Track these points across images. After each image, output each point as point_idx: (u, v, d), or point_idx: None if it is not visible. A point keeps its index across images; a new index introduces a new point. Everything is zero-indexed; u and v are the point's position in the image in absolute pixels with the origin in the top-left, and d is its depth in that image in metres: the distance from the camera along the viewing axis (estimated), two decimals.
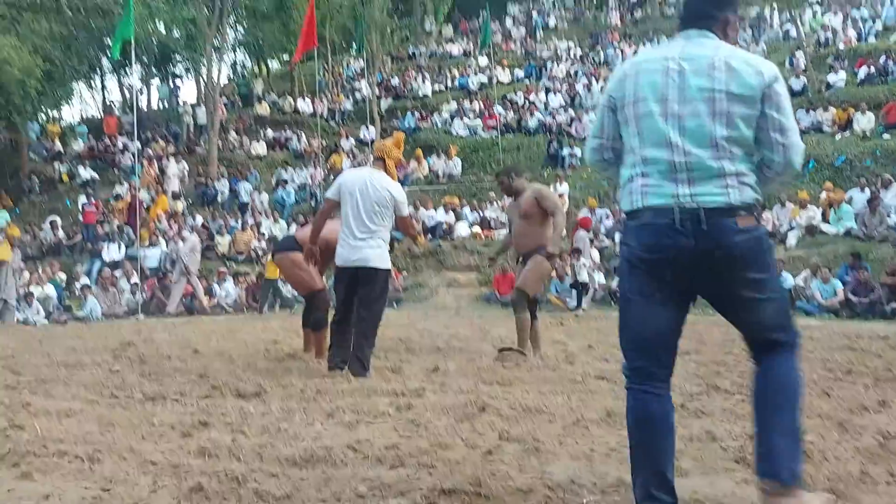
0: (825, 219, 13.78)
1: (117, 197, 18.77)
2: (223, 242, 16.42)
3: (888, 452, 3.05)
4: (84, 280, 14.35)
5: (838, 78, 19.10)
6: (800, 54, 20.78)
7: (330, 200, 5.29)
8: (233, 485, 2.59)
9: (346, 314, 5.21)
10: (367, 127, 22.03)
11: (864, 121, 16.48)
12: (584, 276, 12.78)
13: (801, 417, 2.32)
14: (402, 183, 18.81)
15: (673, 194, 2.21)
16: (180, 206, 18.43)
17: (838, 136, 16.61)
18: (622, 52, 25.76)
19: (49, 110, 25.71)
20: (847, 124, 16.83)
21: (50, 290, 13.57)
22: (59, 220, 17.39)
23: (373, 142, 21.23)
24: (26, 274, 13.89)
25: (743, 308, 2.35)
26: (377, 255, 5.06)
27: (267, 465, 2.87)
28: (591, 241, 14.05)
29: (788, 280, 11.99)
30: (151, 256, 15.59)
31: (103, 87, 34.21)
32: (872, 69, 18.97)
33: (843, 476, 2.70)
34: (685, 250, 2.19)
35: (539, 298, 6.56)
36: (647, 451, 2.30)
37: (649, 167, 2.27)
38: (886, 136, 15.99)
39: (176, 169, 19.89)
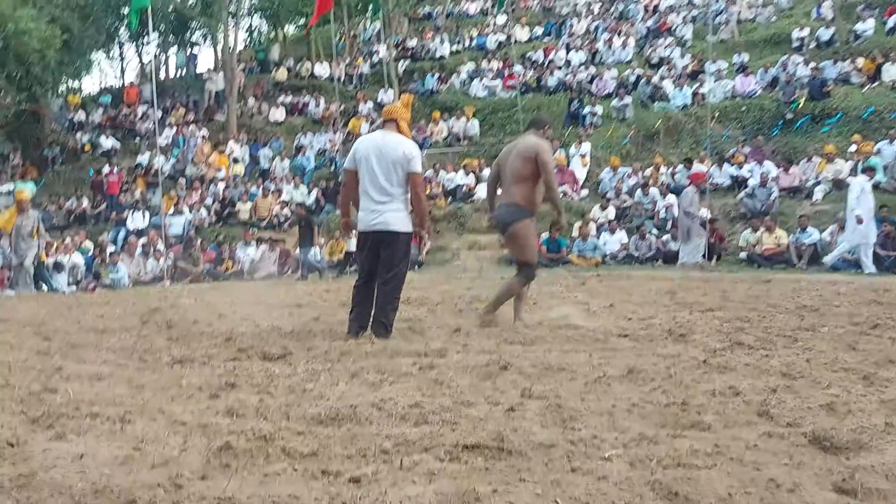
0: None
1: (138, 166, 18.93)
2: (244, 209, 16.52)
3: None
4: (111, 248, 14.56)
5: (867, 27, 18.54)
6: (827, 3, 20.18)
7: (348, 170, 5.27)
8: (260, 443, 2.63)
9: (369, 279, 5.20)
10: (386, 90, 21.88)
11: (894, 70, 16.03)
12: (696, 234, 12.46)
13: None
14: (422, 146, 18.83)
15: None
16: (240, 169, 18.62)
17: (866, 88, 16.19)
18: (644, 6, 25.21)
19: (69, 80, 25.81)
20: (875, 75, 16.38)
21: (78, 258, 13.80)
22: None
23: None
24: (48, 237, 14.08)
25: None
26: (398, 218, 5.04)
27: (293, 424, 2.91)
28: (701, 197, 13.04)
29: (814, 235, 11.84)
30: (176, 224, 15.78)
31: (121, 56, 34.25)
32: None
33: (868, 427, 2.69)
34: None
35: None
36: None
37: None
38: None
39: (238, 149, 19.87)
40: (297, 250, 14.22)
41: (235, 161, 19.16)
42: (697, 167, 14.47)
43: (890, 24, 18.54)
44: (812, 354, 4.15)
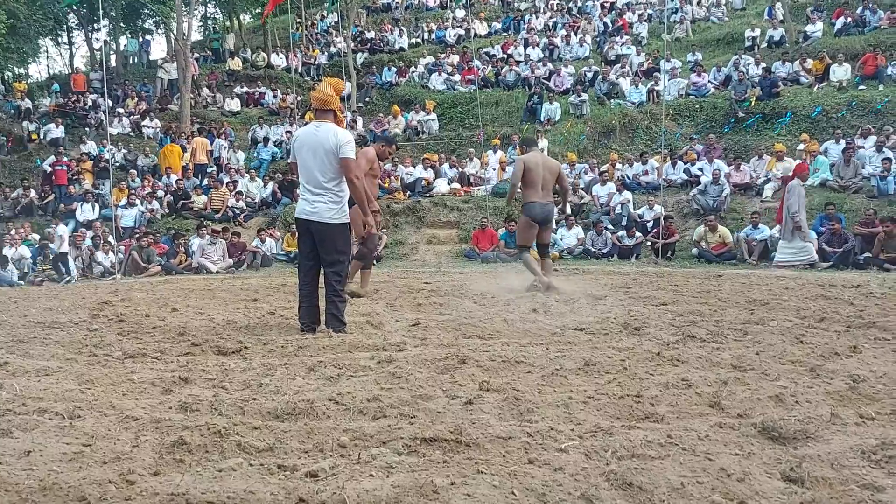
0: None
1: (86, 155, 18.40)
2: (199, 201, 16.23)
3: (858, 395, 3.13)
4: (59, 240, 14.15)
5: (816, 28, 19.07)
6: (778, 5, 20.68)
7: (292, 164, 5.32)
8: (215, 438, 2.59)
9: (310, 271, 5.18)
10: (344, 81, 21.66)
11: (841, 72, 16.52)
12: (801, 235, 11.16)
13: None
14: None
15: None
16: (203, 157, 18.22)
17: (815, 88, 16.65)
18: (601, 4, 25.47)
19: (15, 67, 25.00)
20: (824, 75, 16.86)
21: (24, 251, 13.39)
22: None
23: (349, 97, 20.95)
24: None
25: None
26: (332, 210, 5.02)
27: (249, 419, 2.88)
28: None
29: (765, 231, 12.14)
30: (127, 216, 15.43)
31: (70, 43, 33.32)
32: (850, 19, 18.96)
33: (815, 418, 2.77)
34: None
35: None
36: None
37: None
38: (862, 87, 16.06)
39: (220, 143, 19.22)
40: None
41: (212, 154, 18.73)
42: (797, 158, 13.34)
43: (838, 25, 19.09)
44: (761, 347, 4.26)
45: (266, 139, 19.15)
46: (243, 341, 4.64)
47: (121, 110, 21.23)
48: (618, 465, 2.27)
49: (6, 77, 24.88)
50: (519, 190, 7.99)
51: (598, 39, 22.86)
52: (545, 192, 7.74)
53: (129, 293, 8.77)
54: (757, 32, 19.95)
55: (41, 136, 19.85)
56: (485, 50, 23.16)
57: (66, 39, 33.15)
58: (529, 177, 7.65)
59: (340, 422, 2.84)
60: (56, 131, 19.61)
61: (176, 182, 17.01)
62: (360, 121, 19.30)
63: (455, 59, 22.53)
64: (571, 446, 2.50)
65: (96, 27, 29.06)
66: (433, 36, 25.64)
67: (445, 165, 16.93)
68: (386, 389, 3.32)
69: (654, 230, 13.13)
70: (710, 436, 2.60)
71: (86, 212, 15.72)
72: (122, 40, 29.67)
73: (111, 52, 29.49)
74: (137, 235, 14.31)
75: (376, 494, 2.06)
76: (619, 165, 15.76)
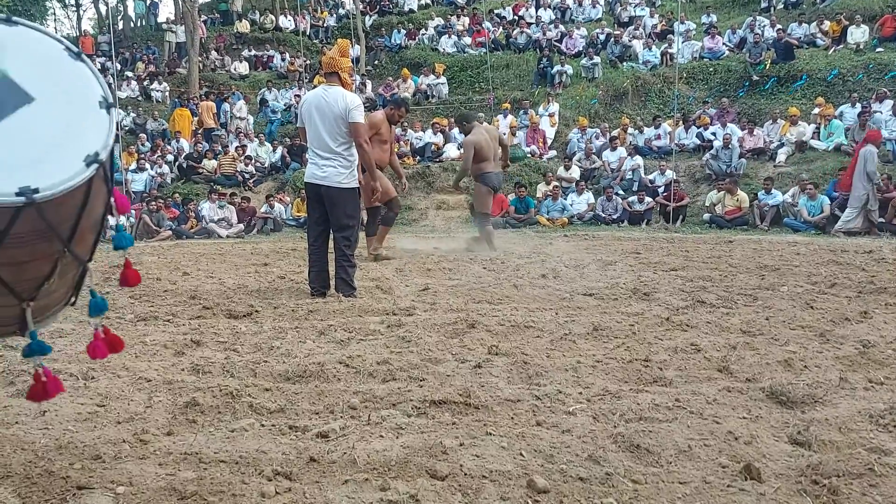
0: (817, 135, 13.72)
1: None
2: (209, 165, 16.20)
3: (867, 360, 3.13)
4: None
5: None
6: None
7: (300, 129, 5.32)
8: (227, 399, 2.63)
9: (320, 236, 5.20)
10: (352, 44, 21.45)
11: (858, 34, 16.18)
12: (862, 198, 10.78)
13: None
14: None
15: None
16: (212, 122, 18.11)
17: (831, 51, 16.34)
18: None
19: None
20: (841, 37, 16.53)
21: None
22: None
23: (357, 60, 20.75)
24: None
25: None
26: (341, 174, 5.02)
27: (260, 381, 2.91)
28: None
29: (778, 197, 12.04)
30: (138, 180, 15.45)
31: (77, 5, 33.05)
32: None
33: (823, 382, 2.78)
34: None
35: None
36: None
37: None
38: (880, 49, 15.74)
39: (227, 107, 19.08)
40: None
41: (218, 118, 18.66)
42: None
43: None
44: (771, 312, 4.26)
45: (264, 101, 18.99)
46: (254, 305, 4.68)
47: (129, 73, 21.12)
48: (625, 428, 2.29)
49: None
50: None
51: (610, 1, 22.46)
52: (495, 163, 8.62)
53: (140, 257, 8.82)
54: None
55: None
56: (495, 12, 22.80)
57: (73, 1, 32.89)
58: (482, 153, 8.34)
59: (351, 384, 2.87)
60: None
61: (194, 146, 16.96)
62: (369, 84, 19.13)
63: (465, 21, 22.20)
64: (579, 409, 2.52)
65: None
66: None
67: (455, 130, 16.76)
68: (396, 353, 3.34)
69: (665, 194, 13.04)
70: (718, 399, 2.61)
71: None
72: (130, 2, 29.45)
73: (119, 15, 29.26)
74: (147, 199, 14.33)
75: (386, 454, 2.09)
76: (630, 130, 15.58)
